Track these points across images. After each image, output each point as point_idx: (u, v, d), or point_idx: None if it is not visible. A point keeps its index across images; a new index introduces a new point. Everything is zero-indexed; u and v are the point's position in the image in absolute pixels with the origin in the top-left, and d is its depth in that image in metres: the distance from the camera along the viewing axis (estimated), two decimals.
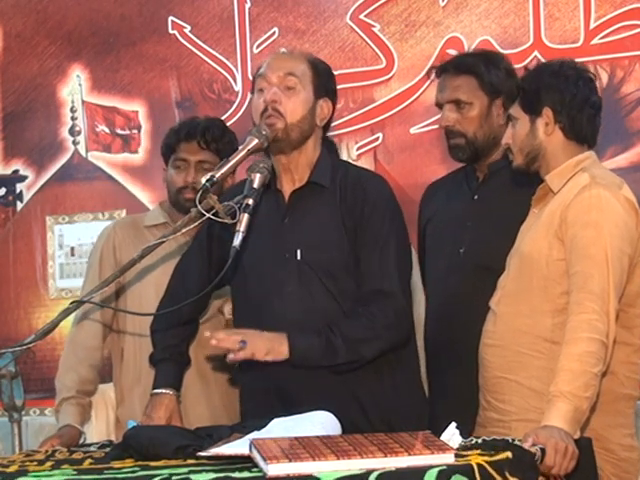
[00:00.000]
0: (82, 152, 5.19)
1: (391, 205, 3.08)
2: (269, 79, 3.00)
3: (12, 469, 2.59)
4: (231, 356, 2.85)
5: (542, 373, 2.92)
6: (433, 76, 3.55)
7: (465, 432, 2.59)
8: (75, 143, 5.19)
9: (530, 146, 3.03)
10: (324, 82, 3.08)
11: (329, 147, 3.76)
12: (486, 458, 2.34)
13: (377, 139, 4.74)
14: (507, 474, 2.35)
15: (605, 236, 2.85)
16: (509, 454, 2.41)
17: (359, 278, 2.99)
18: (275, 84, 3.00)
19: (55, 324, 2.90)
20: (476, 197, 3.42)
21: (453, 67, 3.41)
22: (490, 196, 3.37)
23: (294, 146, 3.02)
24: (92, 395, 3.46)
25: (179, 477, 2.34)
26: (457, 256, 3.37)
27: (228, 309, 3.37)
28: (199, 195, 2.86)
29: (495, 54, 3.53)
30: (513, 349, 2.98)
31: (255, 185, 2.90)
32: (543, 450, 2.55)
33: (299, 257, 3.00)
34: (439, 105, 3.44)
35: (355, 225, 3.01)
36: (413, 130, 4.57)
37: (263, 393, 3.03)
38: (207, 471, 2.37)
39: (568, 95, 3.01)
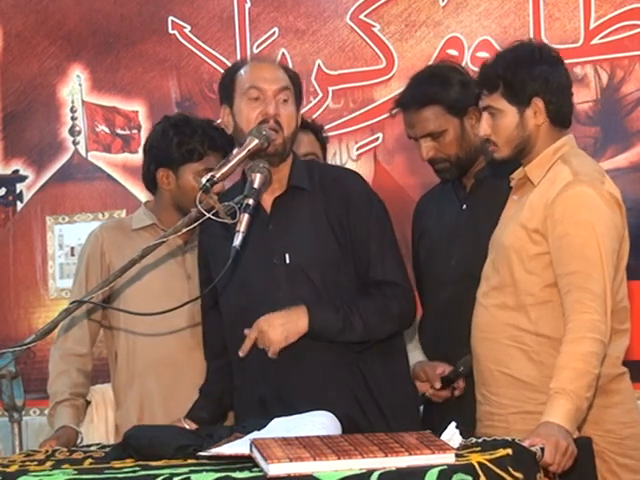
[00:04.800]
0: (82, 152, 5.19)
1: (376, 198, 3.14)
2: (265, 91, 3.01)
3: (12, 469, 2.60)
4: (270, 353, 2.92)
5: (531, 365, 2.95)
6: (395, 111, 3.47)
7: (463, 433, 2.60)
8: (75, 143, 5.19)
9: (520, 138, 3.01)
10: (299, 91, 3.12)
11: (323, 143, 3.79)
12: (487, 456, 2.35)
13: (377, 139, 4.75)
14: (510, 469, 2.35)
15: (598, 236, 2.86)
16: (509, 451, 2.41)
17: (361, 269, 3.03)
18: (271, 97, 3.01)
19: (55, 324, 2.90)
20: (465, 207, 3.42)
21: (414, 102, 3.36)
22: (479, 205, 3.37)
23: (285, 158, 3.06)
24: (84, 397, 3.46)
25: (180, 477, 2.34)
26: (449, 267, 3.37)
27: None
28: (199, 195, 2.86)
29: (447, 69, 3.46)
30: (502, 342, 2.99)
31: (255, 185, 2.90)
32: (543, 450, 2.56)
33: (288, 261, 3.01)
34: (412, 139, 3.43)
35: (344, 222, 3.04)
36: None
37: (258, 391, 3.04)
38: (208, 471, 2.38)
39: (555, 82, 3.00)
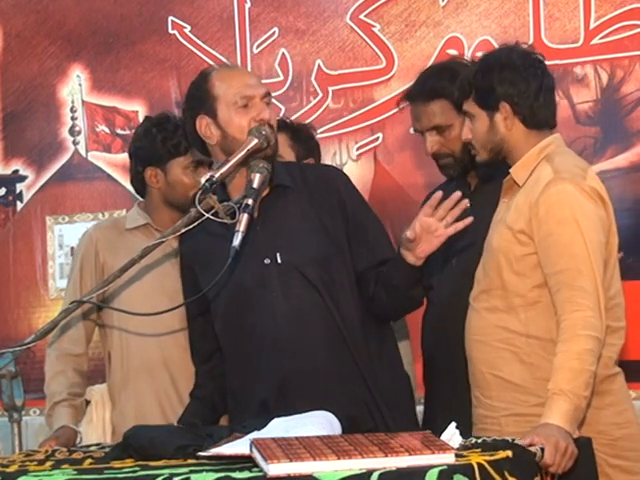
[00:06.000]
0: (82, 152, 5.18)
1: (356, 188, 3.19)
2: (253, 97, 3.03)
3: (12, 469, 2.60)
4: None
5: (522, 367, 2.95)
6: (403, 105, 3.50)
7: (463, 433, 2.60)
8: (75, 143, 5.19)
9: (492, 142, 3.04)
10: None
11: (308, 147, 3.79)
12: (486, 457, 2.35)
13: (377, 139, 4.74)
14: (506, 473, 2.35)
15: (583, 232, 2.86)
16: (509, 453, 2.41)
17: (364, 253, 3.06)
18: (259, 102, 3.03)
19: (55, 324, 2.91)
20: (468, 206, 3.42)
21: (422, 95, 3.38)
22: (483, 204, 3.35)
23: (275, 158, 3.08)
24: (82, 397, 3.46)
25: (180, 477, 2.34)
26: (450, 266, 3.37)
27: None
28: (198, 195, 2.87)
29: (456, 64, 3.47)
30: (493, 345, 3.00)
31: (255, 185, 2.91)
32: (543, 450, 2.55)
33: (279, 260, 3.01)
34: (418, 132, 3.44)
35: (340, 215, 3.06)
36: (413, 130, 4.58)
37: (260, 391, 3.04)
38: (207, 471, 2.38)
39: (523, 86, 3.01)
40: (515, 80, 3.00)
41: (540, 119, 3.03)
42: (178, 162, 3.46)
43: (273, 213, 3.06)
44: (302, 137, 3.77)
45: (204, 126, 3.07)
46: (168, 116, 3.56)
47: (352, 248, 3.06)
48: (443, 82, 3.36)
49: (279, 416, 2.74)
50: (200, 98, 3.08)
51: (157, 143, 3.46)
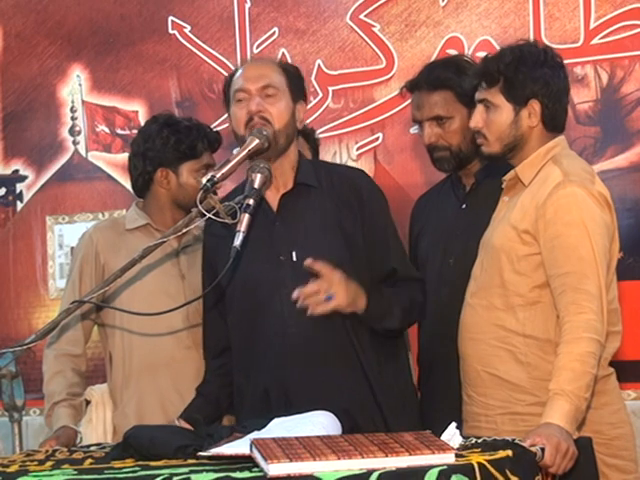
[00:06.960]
0: (82, 152, 5.18)
1: (383, 193, 3.19)
2: (248, 90, 3.05)
3: (12, 469, 2.60)
4: (316, 310, 2.88)
5: (518, 366, 2.95)
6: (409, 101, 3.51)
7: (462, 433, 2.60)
8: (75, 143, 5.19)
9: (512, 137, 3.02)
10: (297, 86, 3.13)
11: (315, 147, 3.79)
12: (487, 457, 2.35)
13: (377, 139, 4.75)
14: (508, 472, 2.35)
15: (590, 235, 2.87)
16: (509, 452, 2.41)
17: (377, 260, 3.06)
18: (255, 95, 3.04)
19: (55, 324, 2.91)
20: (464, 206, 3.42)
21: (426, 83, 3.38)
22: (478, 204, 3.36)
23: (281, 152, 3.06)
24: (81, 397, 3.46)
25: (180, 477, 2.34)
26: (447, 267, 3.37)
27: None
28: (200, 195, 2.87)
29: (462, 60, 3.49)
30: (490, 343, 3.00)
31: (256, 185, 2.91)
32: (543, 450, 2.55)
33: (294, 258, 3.02)
34: (417, 122, 3.44)
35: (358, 219, 3.06)
36: (413, 130, 4.58)
37: (262, 389, 3.04)
38: (208, 471, 2.38)
39: (555, 87, 3.01)
40: (550, 81, 3.00)
41: (558, 122, 3.04)
42: (190, 165, 3.46)
43: (293, 210, 3.07)
44: (312, 139, 3.81)
45: (229, 120, 3.12)
46: (176, 117, 3.56)
47: (368, 251, 3.06)
48: (449, 73, 3.36)
49: (279, 416, 2.74)
50: (225, 92, 3.14)
51: (170, 145, 3.46)
